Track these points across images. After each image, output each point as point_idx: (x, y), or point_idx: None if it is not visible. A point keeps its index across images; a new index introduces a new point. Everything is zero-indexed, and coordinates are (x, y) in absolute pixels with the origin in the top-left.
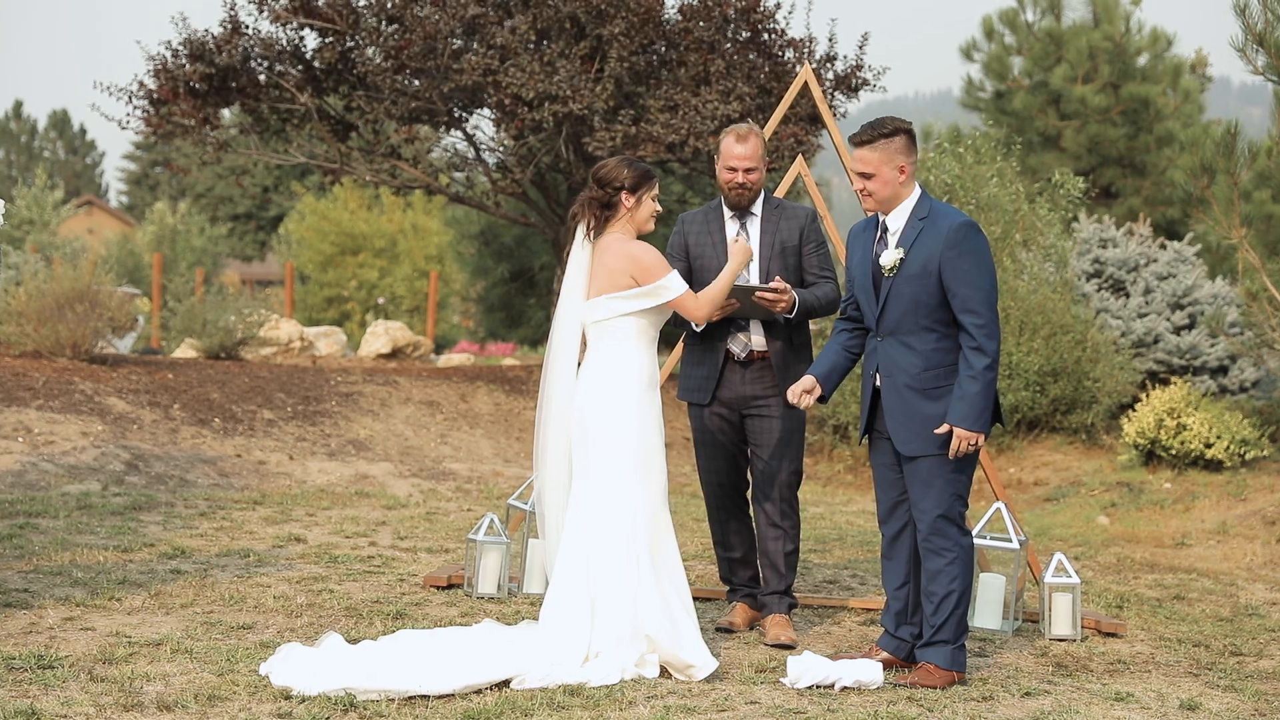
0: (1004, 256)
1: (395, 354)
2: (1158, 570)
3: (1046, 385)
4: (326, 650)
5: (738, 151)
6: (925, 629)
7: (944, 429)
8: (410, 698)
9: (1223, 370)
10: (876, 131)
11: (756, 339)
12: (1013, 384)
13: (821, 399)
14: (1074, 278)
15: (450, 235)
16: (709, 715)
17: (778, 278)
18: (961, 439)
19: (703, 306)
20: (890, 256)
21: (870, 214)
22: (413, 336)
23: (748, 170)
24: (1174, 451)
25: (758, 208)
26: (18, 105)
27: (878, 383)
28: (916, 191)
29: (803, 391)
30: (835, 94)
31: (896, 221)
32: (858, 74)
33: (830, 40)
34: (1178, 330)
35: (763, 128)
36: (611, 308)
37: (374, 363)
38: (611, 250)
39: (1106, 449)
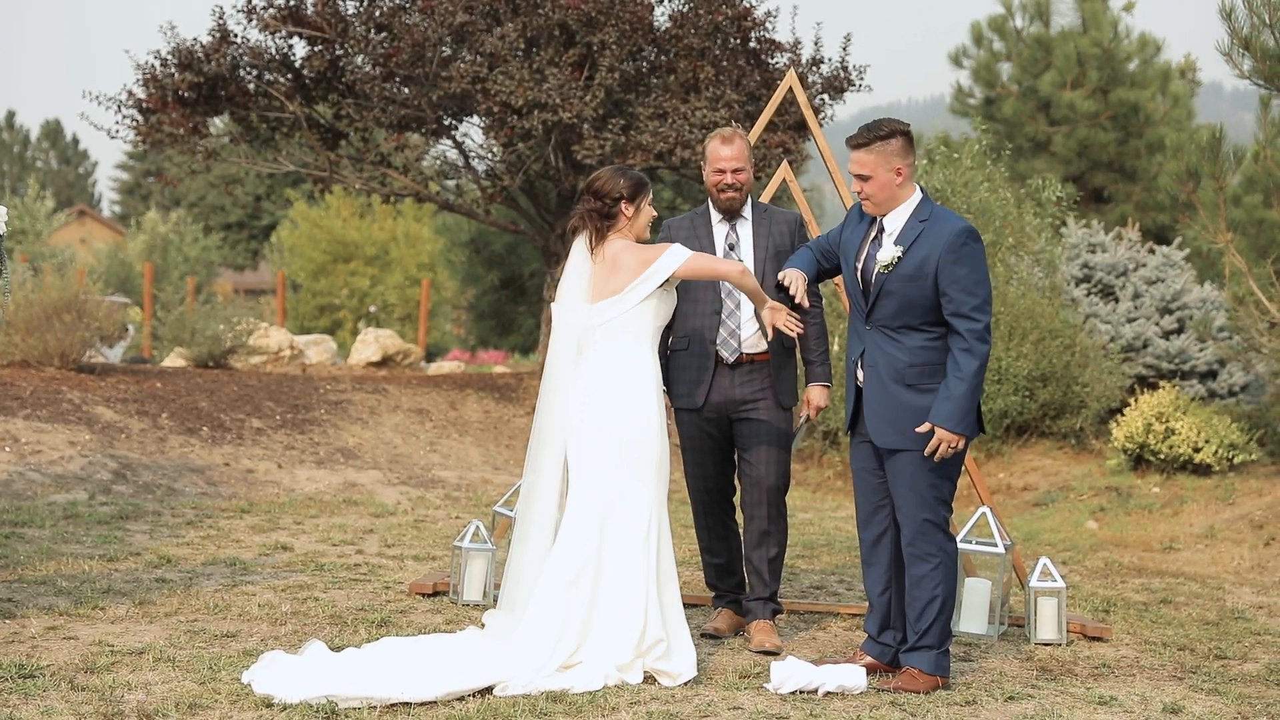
0: (995, 262)
1: (385, 362)
2: (1145, 574)
3: (1035, 390)
4: (309, 658)
5: (724, 153)
6: (909, 634)
7: (926, 427)
8: (392, 705)
9: (1211, 375)
10: (872, 134)
11: (747, 341)
12: (1002, 389)
13: (803, 310)
14: (1063, 283)
15: (441, 243)
16: None
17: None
18: (943, 439)
19: (727, 263)
20: (888, 253)
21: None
22: (403, 344)
23: (735, 171)
24: (1162, 456)
25: (747, 211)
26: (10, 116)
27: (860, 379)
28: (917, 194)
29: (786, 278)
30: (823, 97)
31: (894, 222)
32: (843, 74)
33: (816, 44)
34: (1166, 335)
35: (749, 133)
36: (627, 300)
37: (364, 371)
38: (623, 253)
39: (1095, 454)
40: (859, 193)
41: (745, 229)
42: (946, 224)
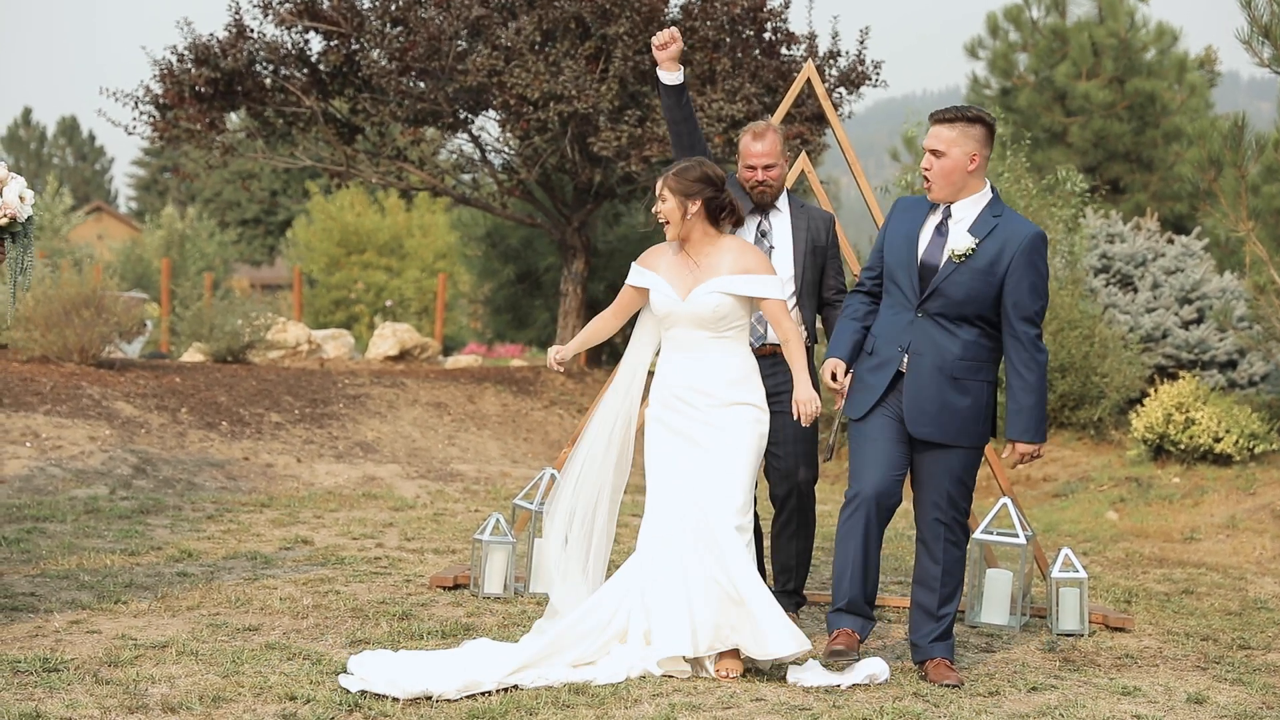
0: None
1: (403, 356)
2: (1166, 565)
3: (1055, 381)
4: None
5: (756, 149)
6: (929, 624)
7: (1013, 457)
8: (415, 699)
9: (1231, 364)
10: (959, 113)
11: (772, 332)
12: None
13: (848, 370)
14: (1083, 273)
15: (456, 235)
16: (714, 713)
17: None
18: (1024, 453)
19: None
20: (964, 242)
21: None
22: (420, 338)
23: (767, 167)
24: (1183, 446)
25: (783, 204)
26: (27, 112)
27: (903, 366)
28: (989, 190)
29: (832, 373)
30: (839, 90)
31: (965, 211)
32: (859, 69)
33: (834, 37)
34: (1186, 325)
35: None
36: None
37: (381, 365)
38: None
39: (1115, 444)
40: (926, 170)
41: (781, 221)
42: (1023, 226)
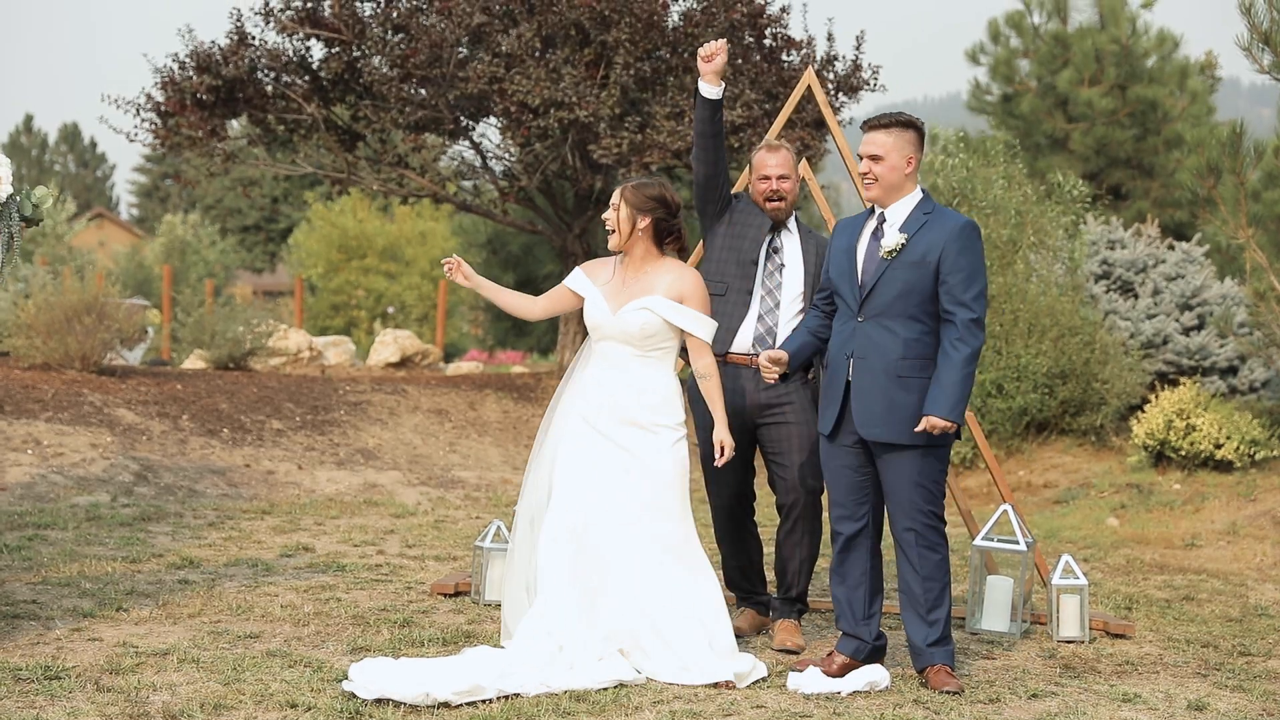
0: (1015, 259)
1: (404, 363)
2: (1167, 571)
3: (1055, 387)
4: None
5: (770, 161)
6: (922, 629)
7: (921, 425)
8: (415, 706)
9: (1232, 370)
10: (893, 119)
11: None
12: (1021, 386)
13: (783, 377)
14: (1083, 280)
15: (457, 242)
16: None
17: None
18: (934, 425)
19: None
20: (893, 239)
21: (869, 204)
22: (421, 345)
23: (781, 177)
24: (1183, 452)
25: (793, 224)
26: (28, 119)
27: (850, 374)
28: (919, 191)
29: (770, 360)
30: (838, 96)
31: (897, 213)
32: (857, 74)
33: (830, 39)
34: (1187, 331)
35: (767, 132)
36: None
37: (383, 372)
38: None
39: (1116, 450)
40: (866, 174)
41: (791, 241)
42: (951, 218)
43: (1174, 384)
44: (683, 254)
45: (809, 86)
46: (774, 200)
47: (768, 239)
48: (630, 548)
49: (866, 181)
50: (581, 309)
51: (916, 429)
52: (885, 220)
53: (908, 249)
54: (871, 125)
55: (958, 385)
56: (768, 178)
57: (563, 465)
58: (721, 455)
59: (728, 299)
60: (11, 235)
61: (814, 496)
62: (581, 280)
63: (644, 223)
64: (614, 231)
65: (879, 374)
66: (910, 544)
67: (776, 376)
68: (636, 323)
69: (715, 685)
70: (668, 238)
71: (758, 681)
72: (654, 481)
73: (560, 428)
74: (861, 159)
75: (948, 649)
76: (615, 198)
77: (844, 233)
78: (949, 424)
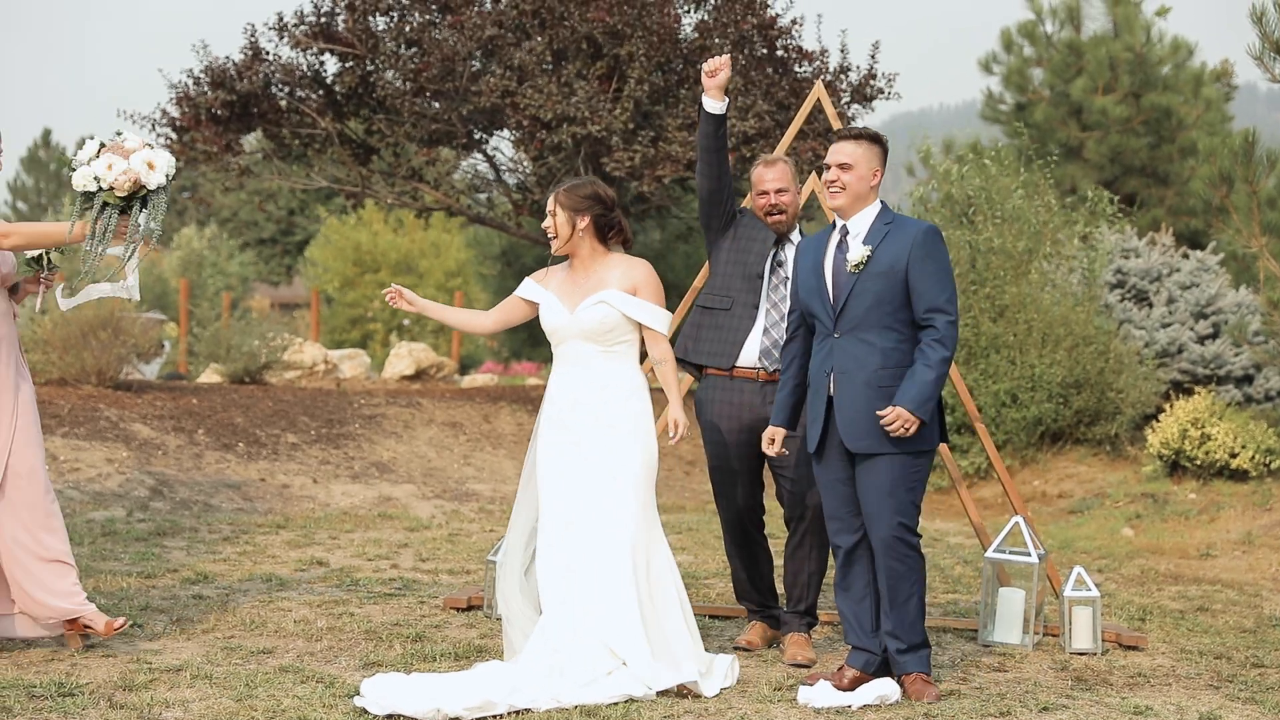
0: (1030, 269)
1: (419, 375)
2: (1182, 582)
3: (1070, 397)
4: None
5: (767, 175)
6: (891, 639)
7: (889, 415)
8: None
9: (1247, 379)
10: (861, 131)
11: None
12: (1036, 396)
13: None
14: (1099, 289)
15: (470, 253)
16: None
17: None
18: (901, 418)
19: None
20: (858, 253)
21: (832, 217)
22: (436, 357)
23: (779, 190)
24: (1199, 462)
25: (796, 237)
26: (46, 134)
27: (831, 389)
28: (879, 202)
29: (770, 442)
30: (852, 105)
31: (859, 225)
32: (871, 83)
33: (843, 51)
34: (1201, 340)
35: (778, 144)
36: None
37: (398, 384)
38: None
39: (1131, 460)
40: (833, 182)
41: (793, 253)
42: (912, 225)
43: (1189, 393)
44: (627, 245)
45: (818, 99)
46: (774, 214)
47: (772, 252)
48: (605, 551)
49: (833, 190)
50: (534, 318)
51: (901, 447)
52: (849, 233)
53: (874, 260)
54: (841, 136)
55: (930, 384)
56: (765, 193)
57: (544, 478)
58: (676, 434)
59: (733, 313)
60: (153, 217)
61: (819, 510)
62: (533, 288)
63: (583, 223)
64: (555, 236)
65: (860, 386)
66: (879, 553)
67: (786, 449)
68: (595, 318)
69: (676, 691)
70: (610, 233)
71: (723, 690)
72: (623, 479)
73: (537, 439)
74: (830, 168)
75: (921, 655)
76: (550, 204)
77: (808, 252)
78: (914, 419)
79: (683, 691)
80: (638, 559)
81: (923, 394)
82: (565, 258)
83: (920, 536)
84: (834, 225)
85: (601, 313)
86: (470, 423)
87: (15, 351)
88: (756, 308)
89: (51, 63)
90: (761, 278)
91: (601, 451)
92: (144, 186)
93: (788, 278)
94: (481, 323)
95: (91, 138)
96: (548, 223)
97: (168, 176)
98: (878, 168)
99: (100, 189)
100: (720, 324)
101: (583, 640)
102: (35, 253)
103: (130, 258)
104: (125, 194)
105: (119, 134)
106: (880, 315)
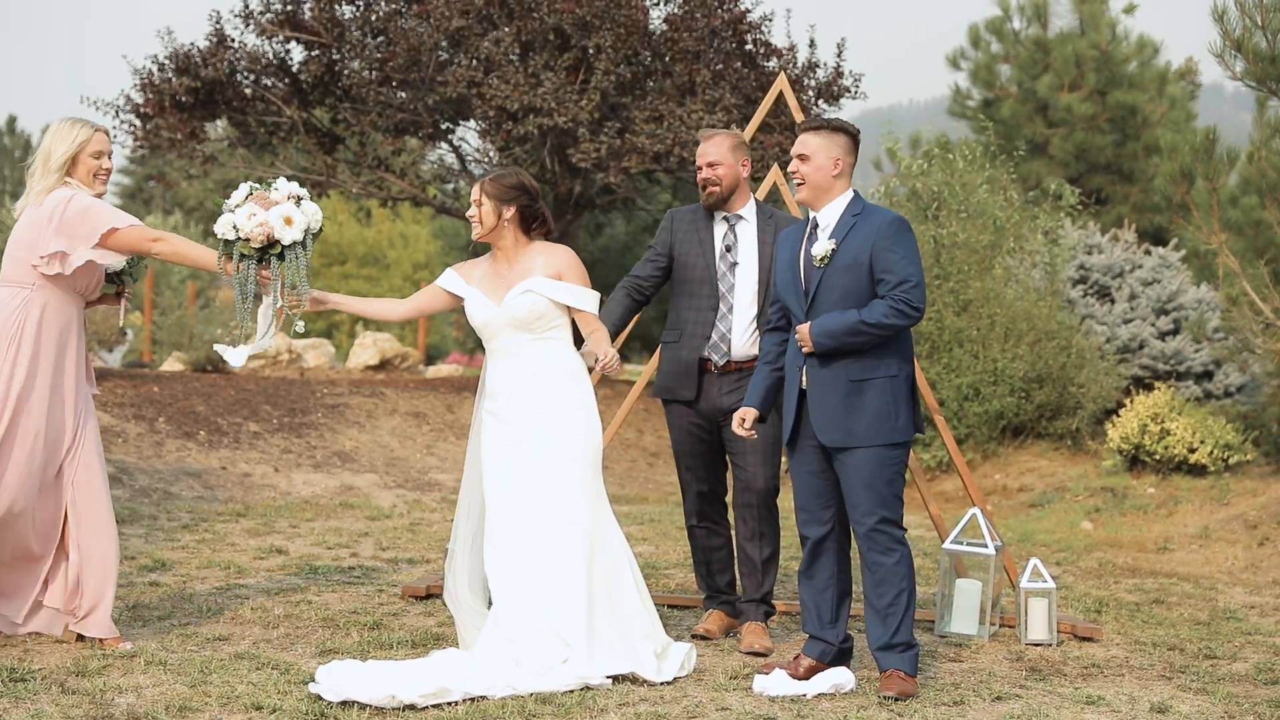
0: (994, 264)
1: (383, 365)
2: (1139, 575)
3: (1031, 391)
4: (383, 665)
5: (702, 149)
6: (877, 632)
7: (800, 329)
8: (380, 708)
9: (1207, 375)
10: (824, 122)
11: (737, 349)
12: (998, 390)
13: (760, 420)
14: (1061, 284)
15: (438, 245)
16: None
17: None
18: (801, 336)
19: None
20: (822, 247)
21: (801, 205)
22: (401, 348)
23: (711, 164)
24: (1158, 457)
25: (749, 212)
26: (11, 120)
27: (804, 382)
28: (850, 192)
29: (740, 421)
30: (819, 103)
31: (828, 217)
32: (838, 81)
33: (811, 47)
34: (1162, 336)
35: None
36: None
37: (362, 374)
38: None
39: (1091, 454)
40: (794, 174)
41: (747, 230)
42: (879, 215)
43: (1149, 388)
44: (550, 236)
45: (780, 92)
46: (707, 187)
47: (721, 234)
48: (553, 538)
49: (795, 181)
50: (451, 310)
51: (877, 440)
52: (819, 226)
53: (839, 253)
54: (804, 127)
55: (846, 326)
56: (699, 167)
57: (488, 474)
58: (600, 364)
59: (681, 344)
60: (295, 270)
61: (767, 497)
62: (455, 280)
63: (509, 212)
64: (479, 225)
65: (833, 380)
66: (864, 548)
67: (754, 431)
68: (524, 306)
69: (626, 677)
70: (534, 224)
71: (679, 678)
72: (567, 464)
73: (480, 435)
74: (792, 159)
75: (907, 654)
76: (475, 193)
77: (786, 244)
78: (809, 340)
79: (635, 678)
80: (588, 543)
81: (832, 328)
82: (488, 247)
83: (905, 530)
84: (809, 216)
85: (529, 301)
86: (434, 413)
87: (84, 356)
88: (710, 326)
89: (15, 49)
90: (711, 268)
91: (542, 438)
92: (278, 241)
93: (736, 262)
94: (392, 310)
95: (241, 184)
96: (472, 211)
97: (306, 232)
98: (838, 156)
99: (238, 238)
100: (675, 355)
101: (535, 628)
102: (117, 268)
103: (276, 310)
104: (259, 246)
105: (272, 183)
106: (850, 305)
